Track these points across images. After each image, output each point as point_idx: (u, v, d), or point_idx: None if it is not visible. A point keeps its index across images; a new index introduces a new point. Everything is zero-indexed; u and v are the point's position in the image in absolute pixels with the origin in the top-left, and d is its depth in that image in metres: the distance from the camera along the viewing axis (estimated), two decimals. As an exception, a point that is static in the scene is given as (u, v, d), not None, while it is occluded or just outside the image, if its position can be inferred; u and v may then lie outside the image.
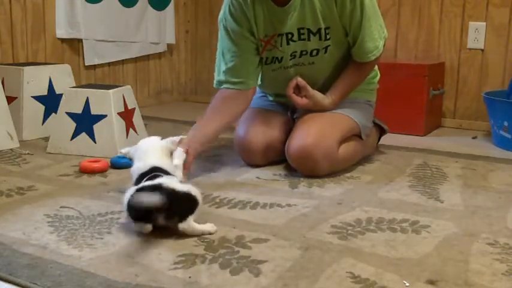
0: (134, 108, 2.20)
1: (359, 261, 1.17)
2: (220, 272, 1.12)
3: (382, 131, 2.16)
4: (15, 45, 2.54)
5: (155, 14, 3.22)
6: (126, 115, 2.13)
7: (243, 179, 1.79)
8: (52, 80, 2.36)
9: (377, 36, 1.84)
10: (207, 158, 2.06)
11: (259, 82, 2.11)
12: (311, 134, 1.78)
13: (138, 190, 1.28)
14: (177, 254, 1.20)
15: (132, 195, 1.26)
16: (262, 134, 1.90)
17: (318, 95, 1.87)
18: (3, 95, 2.14)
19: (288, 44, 1.84)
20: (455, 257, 1.21)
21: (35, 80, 2.29)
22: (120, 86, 2.19)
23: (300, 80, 1.85)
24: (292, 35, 1.82)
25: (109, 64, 3.02)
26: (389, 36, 2.76)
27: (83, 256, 1.19)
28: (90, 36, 2.84)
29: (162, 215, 1.25)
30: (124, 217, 1.38)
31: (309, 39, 1.83)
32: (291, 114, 2.02)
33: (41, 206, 1.50)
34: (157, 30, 3.25)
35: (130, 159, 1.54)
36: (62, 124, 2.08)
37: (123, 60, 3.10)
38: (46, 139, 2.17)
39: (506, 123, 2.26)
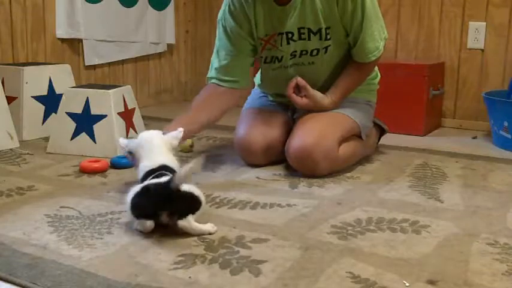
0: (134, 108, 2.20)
1: (359, 261, 1.17)
2: (220, 272, 1.12)
3: (382, 131, 2.16)
4: (15, 45, 2.54)
5: (155, 14, 3.22)
6: (126, 115, 2.13)
7: (243, 179, 1.79)
8: (52, 80, 2.36)
9: (377, 37, 1.84)
10: (207, 158, 2.05)
11: (259, 82, 2.12)
12: (311, 134, 1.78)
13: (144, 187, 1.28)
14: (177, 254, 1.20)
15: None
16: (262, 134, 1.90)
17: (318, 95, 1.87)
18: (3, 95, 2.14)
19: (288, 43, 1.84)
20: (455, 257, 1.21)
21: (33, 80, 2.28)
22: (120, 86, 2.19)
23: (300, 80, 1.85)
24: (293, 34, 1.82)
25: (109, 64, 3.02)
26: (389, 37, 2.75)
27: (83, 256, 1.19)
28: (90, 36, 2.84)
29: (166, 213, 1.26)
30: (127, 214, 1.37)
31: (309, 39, 1.83)
32: (291, 114, 2.02)
33: (41, 206, 1.50)
34: (157, 30, 3.25)
35: (130, 153, 1.52)
36: (62, 124, 2.08)
37: (123, 60, 3.10)
38: (46, 139, 2.17)
39: (506, 123, 2.26)
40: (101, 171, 1.83)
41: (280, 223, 1.40)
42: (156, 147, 1.48)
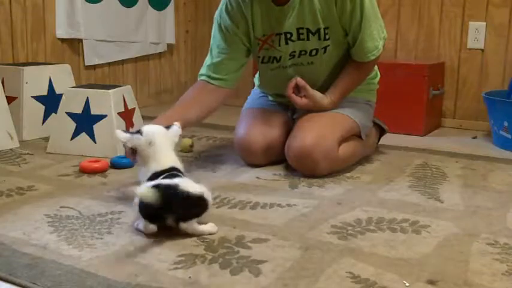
0: (134, 108, 2.20)
1: (359, 261, 1.17)
2: (220, 272, 1.12)
3: (382, 131, 2.16)
4: (15, 45, 2.53)
5: (155, 14, 3.22)
6: (126, 115, 2.13)
7: (243, 179, 1.79)
8: (52, 80, 2.36)
9: (377, 36, 1.84)
10: (207, 158, 2.06)
11: (257, 82, 2.12)
12: (311, 134, 1.78)
13: (154, 186, 1.25)
14: (177, 254, 1.20)
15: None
16: (262, 134, 1.90)
17: (317, 95, 1.87)
18: (3, 95, 2.14)
19: (286, 43, 1.84)
20: (455, 257, 1.21)
21: (33, 80, 2.28)
22: (120, 86, 2.19)
23: (299, 80, 1.85)
24: (291, 34, 1.82)
25: (109, 64, 3.02)
26: (389, 36, 2.76)
27: (83, 256, 1.19)
28: (90, 36, 2.84)
29: (174, 217, 1.25)
30: (133, 209, 1.33)
31: (308, 39, 1.83)
32: (290, 114, 2.01)
33: (41, 206, 1.50)
34: (157, 30, 3.25)
35: (132, 150, 1.43)
36: (62, 124, 2.08)
37: (123, 60, 3.10)
38: (46, 139, 2.17)
39: (506, 123, 2.26)
40: (101, 171, 1.83)
41: (280, 223, 1.40)
42: (163, 146, 1.41)
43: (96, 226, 1.36)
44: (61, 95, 2.13)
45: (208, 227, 1.31)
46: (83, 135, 2.05)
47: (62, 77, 2.40)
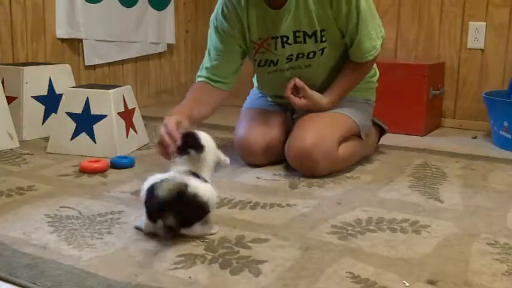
0: (134, 108, 2.20)
1: (359, 261, 1.17)
2: (220, 272, 1.12)
3: (382, 131, 2.16)
4: (15, 45, 2.53)
5: (155, 14, 3.22)
6: (126, 115, 2.13)
7: (243, 179, 1.79)
8: (52, 80, 2.36)
9: (374, 36, 1.83)
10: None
11: (256, 84, 2.12)
12: (310, 135, 1.78)
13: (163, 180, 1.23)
14: (177, 254, 1.20)
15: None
16: (262, 134, 1.90)
17: (316, 95, 1.87)
18: (3, 95, 2.14)
19: (283, 47, 1.84)
20: (455, 257, 1.21)
21: (33, 80, 2.28)
22: (120, 86, 2.19)
23: (298, 81, 1.85)
24: (288, 38, 1.82)
25: (109, 64, 3.02)
26: (389, 36, 2.77)
27: (83, 256, 1.19)
28: (90, 36, 2.84)
29: (175, 221, 1.23)
30: (140, 199, 1.29)
31: (304, 42, 1.82)
32: (290, 115, 2.02)
33: (41, 206, 1.50)
34: (157, 30, 3.25)
35: (186, 152, 1.36)
36: (62, 124, 2.08)
37: (123, 60, 3.10)
38: (46, 139, 2.17)
39: (506, 123, 2.26)
40: (101, 171, 1.83)
41: (280, 223, 1.40)
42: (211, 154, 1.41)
43: (96, 226, 1.36)
44: (61, 95, 2.13)
45: (208, 228, 1.30)
46: (83, 135, 2.05)
47: (62, 77, 2.40)
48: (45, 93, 2.34)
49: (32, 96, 2.29)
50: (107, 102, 2.05)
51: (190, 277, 1.09)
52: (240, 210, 1.49)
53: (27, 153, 2.06)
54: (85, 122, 2.05)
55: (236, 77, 1.91)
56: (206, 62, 1.90)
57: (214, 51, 1.87)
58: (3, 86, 2.17)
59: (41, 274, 1.10)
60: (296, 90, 1.87)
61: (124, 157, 1.95)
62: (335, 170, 1.84)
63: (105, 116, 2.04)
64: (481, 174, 1.89)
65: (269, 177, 1.82)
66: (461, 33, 2.71)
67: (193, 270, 1.13)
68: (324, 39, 1.82)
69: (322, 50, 1.84)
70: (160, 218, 1.22)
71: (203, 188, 1.26)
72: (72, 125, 2.06)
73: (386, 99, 2.24)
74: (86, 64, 2.86)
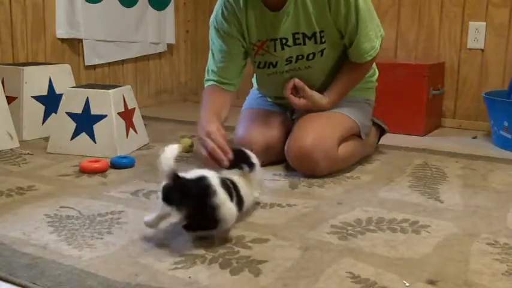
0: (134, 108, 2.20)
1: (359, 261, 1.17)
2: (220, 272, 1.12)
3: (382, 131, 2.16)
4: (15, 45, 2.54)
5: (155, 14, 3.22)
6: (126, 115, 2.13)
7: (243, 179, 1.79)
8: (52, 80, 2.36)
9: (373, 36, 1.83)
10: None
11: (255, 85, 2.12)
12: (310, 135, 1.78)
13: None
14: (177, 254, 1.20)
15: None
16: (261, 134, 1.90)
17: (316, 95, 1.87)
18: (3, 95, 2.14)
19: (282, 49, 1.84)
20: (455, 257, 1.21)
21: (33, 80, 2.28)
22: (120, 86, 2.19)
23: (297, 81, 1.85)
24: (287, 40, 1.82)
25: (109, 64, 3.02)
26: (389, 36, 2.77)
27: (83, 256, 1.19)
28: (90, 36, 2.84)
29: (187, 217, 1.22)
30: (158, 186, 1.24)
31: (304, 44, 1.82)
32: (290, 115, 2.02)
33: (41, 206, 1.50)
34: (157, 30, 3.25)
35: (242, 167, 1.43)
36: (62, 124, 2.08)
37: (123, 60, 3.10)
38: (46, 139, 2.17)
39: (506, 123, 2.26)
40: (100, 171, 1.83)
41: (280, 223, 1.40)
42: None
43: (96, 226, 1.36)
44: (61, 95, 2.13)
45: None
46: (83, 135, 2.05)
47: (62, 77, 2.40)
48: (45, 93, 2.34)
49: (32, 96, 2.29)
50: (107, 102, 2.05)
51: (190, 277, 1.09)
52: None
53: (27, 153, 2.06)
54: (85, 122, 2.05)
55: (242, 77, 1.92)
56: (211, 65, 1.90)
57: (219, 53, 1.87)
58: (3, 86, 2.17)
59: (41, 274, 1.10)
60: (296, 90, 1.87)
61: (124, 157, 1.95)
62: (335, 170, 1.84)
63: (105, 116, 2.04)
64: (481, 174, 1.89)
65: (269, 177, 1.82)
66: (461, 33, 2.71)
67: (193, 270, 1.13)
68: (323, 40, 1.82)
69: (322, 51, 1.84)
70: (177, 206, 1.19)
71: (229, 205, 1.24)
72: (72, 125, 2.06)
73: (386, 99, 2.24)
74: (86, 64, 2.86)
